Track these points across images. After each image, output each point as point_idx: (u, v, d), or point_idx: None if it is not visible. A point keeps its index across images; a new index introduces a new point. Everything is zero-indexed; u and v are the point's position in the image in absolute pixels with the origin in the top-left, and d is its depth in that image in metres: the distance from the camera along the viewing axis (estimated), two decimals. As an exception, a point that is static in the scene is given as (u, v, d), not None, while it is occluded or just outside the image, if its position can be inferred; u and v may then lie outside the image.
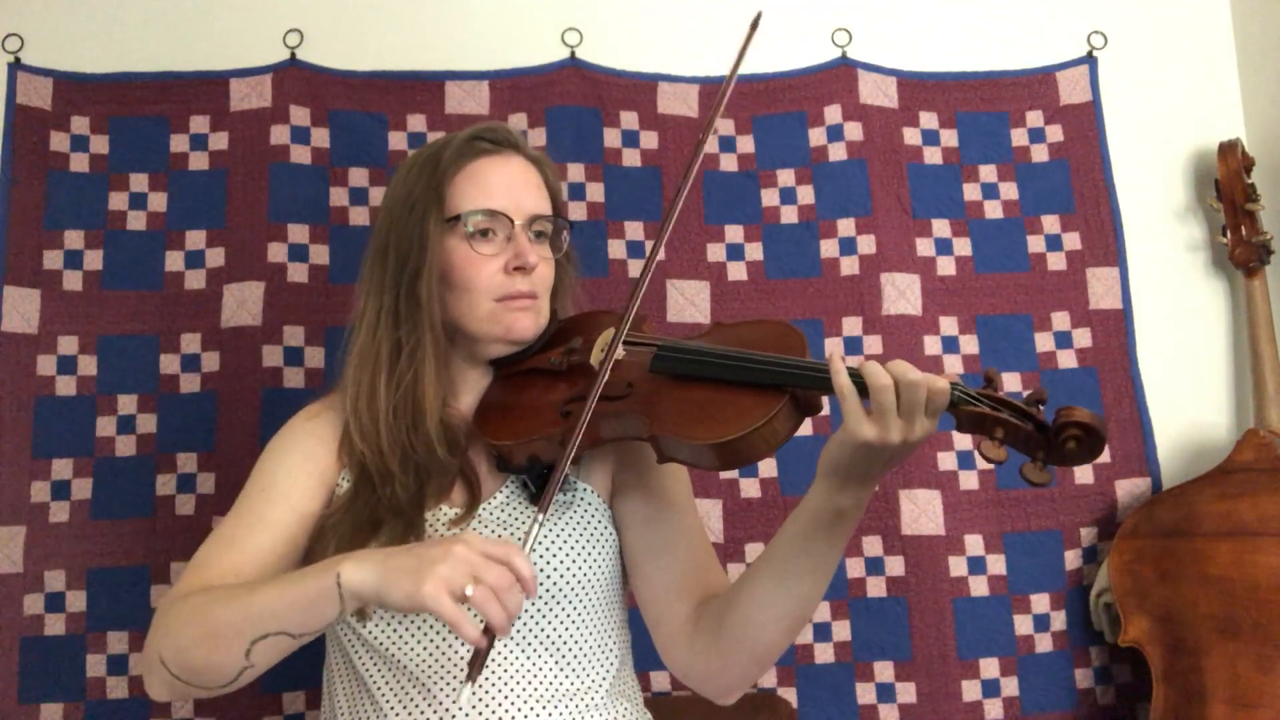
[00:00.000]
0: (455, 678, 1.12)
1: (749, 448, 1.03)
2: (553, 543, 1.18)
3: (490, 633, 0.93)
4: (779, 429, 1.03)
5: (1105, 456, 1.91)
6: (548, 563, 1.16)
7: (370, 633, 1.14)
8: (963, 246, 1.98)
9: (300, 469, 1.20)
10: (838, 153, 1.98)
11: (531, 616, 1.16)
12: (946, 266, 1.97)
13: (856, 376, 0.99)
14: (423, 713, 1.12)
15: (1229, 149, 1.95)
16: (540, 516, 0.99)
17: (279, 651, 1.03)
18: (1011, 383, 1.94)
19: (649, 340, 1.17)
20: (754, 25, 1.26)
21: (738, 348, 1.10)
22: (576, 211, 1.91)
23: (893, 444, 0.97)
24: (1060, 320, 1.97)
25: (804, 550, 1.08)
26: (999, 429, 0.97)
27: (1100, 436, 0.94)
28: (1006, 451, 0.97)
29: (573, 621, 1.17)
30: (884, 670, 1.82)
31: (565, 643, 1.17)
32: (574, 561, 1.18)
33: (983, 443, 0.97)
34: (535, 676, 1.14)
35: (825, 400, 1.07)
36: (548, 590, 1.16)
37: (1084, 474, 1.90)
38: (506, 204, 1.22)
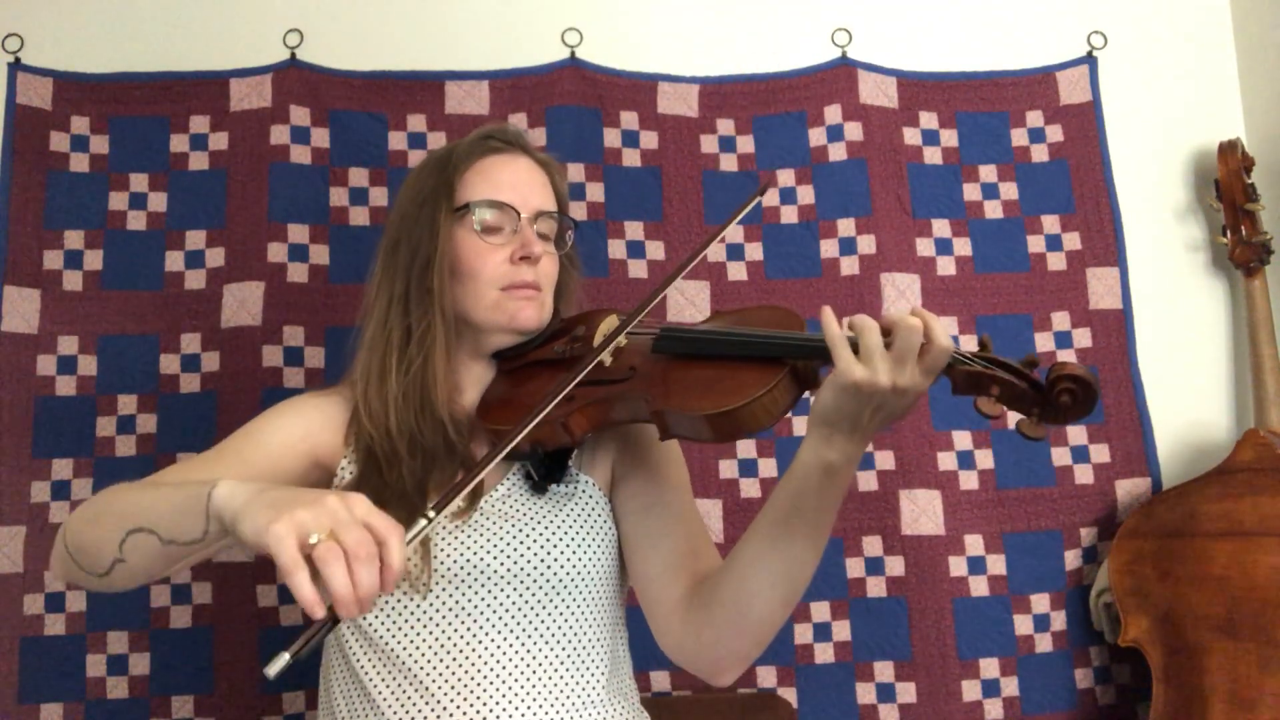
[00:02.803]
0: (455, 675, 1.12)
1: (750, 418, 1.05)
2: (554, 533, 1.18)
3: (332, 611, 0.81)
4: (779, 399, 1.05)
5: (1105, 456, 1.91)
6: (549, 553, 1.17)
7: (370, 624, 1.15)
8: (963, 246, 1.99)
9: (294, 431, 1.22)
10: (838, 153, 1.98)
11: (531, 607, 1.16)
12: (946, 266, 1.97)
13: (850, 335, 1.00)
14: (420, 711, 1.12)
15: (1229, 149, 1.95)
16: (431, 514, 0.90)
17: (150, 555, 1.00)
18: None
19: (650, 327, 1.19)
20: (762, 190, 1.30)
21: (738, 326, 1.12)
22: (577, 211, 1.91)
23: (881, 387, 0.97)
24: (1060, 320, 1.97)
25: (795, 509, 1.08)
26: (995, 386, 0.98)
27: (1093, 390, 0.96)
28: (1002, 408, 0.98)
29: (571, 614, 1.18)
30: (884, 670, 1.82)
31: (564, 634, 1.17)
32: (574, 553, 1.18)
33: (979, 400, 0.98)
34: (533, 668, 1.14)
35: (823, 373, 1.08)
36: (547, 581, 1.16)
37: (1084, 474, 1.90)
38: (514, 198, 1.24)
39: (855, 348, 0.99)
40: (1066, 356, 1.95)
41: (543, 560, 1.16)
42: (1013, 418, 0.99)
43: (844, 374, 0.98)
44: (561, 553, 1.18)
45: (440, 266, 1.21)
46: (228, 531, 0.92)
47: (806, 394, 1.08)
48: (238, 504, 0.90)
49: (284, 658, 0.79)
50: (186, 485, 1.00)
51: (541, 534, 1.18)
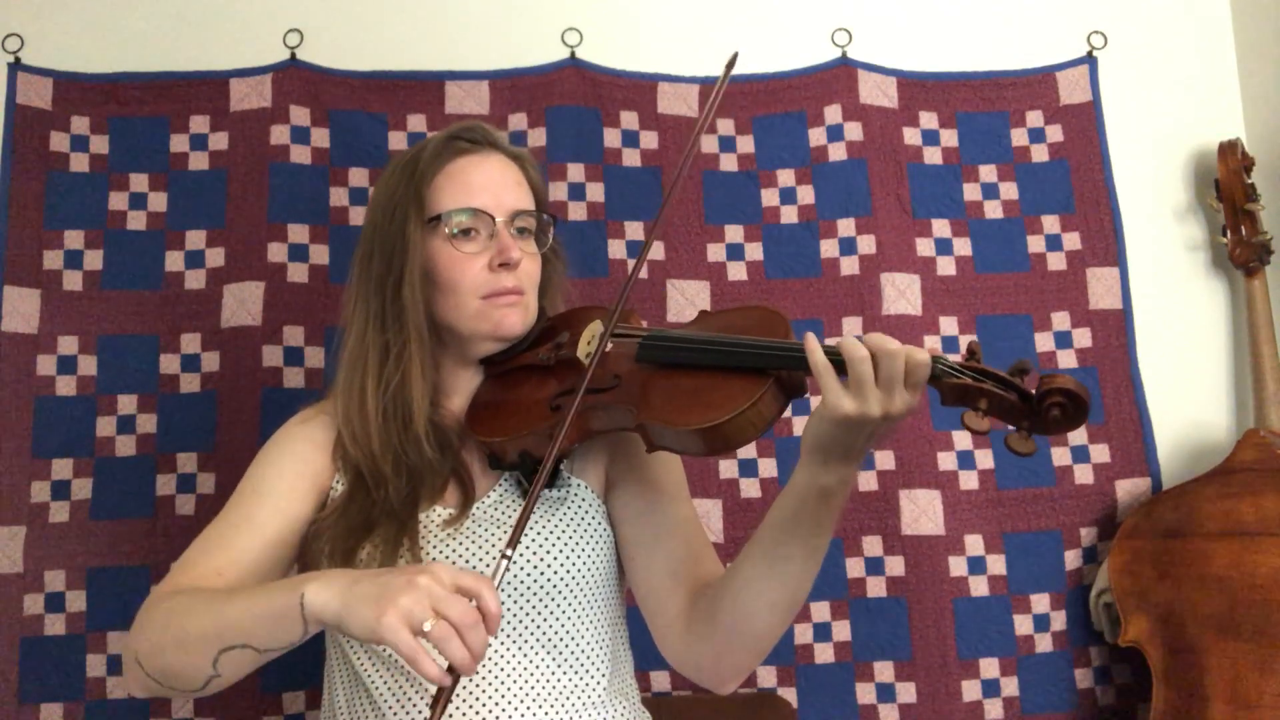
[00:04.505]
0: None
1: (736, 431, 1.03)
2: (547, 538, 1.18)
3: (454, 671, 0.89)
4: (764, 412, 1.03)
5: (1105, 456, 1.91)
6: (542, 559, 1.17)
7: None
8: (963, 246, 1.99)
9: (291, 471, 1.21)
10: (838, 153, 1.98)
11: (527, 614, 1.16)
12: (946, 266, 1.97)
13: (834, 354, 0.98)
14: (420, 712, 1.12)
15: (1229, 149, 1.95)
16: (509, 553, 0.96)
17: (246, 664, 1.04)
18: (1011, 383, 1.94)
19: (635, 331, 1.18)
20: (730, 65, 1.25)
21: (723, 334, 1.10)
22: (576, 211, 1.91)
23: (873, 416, 0.96)
24: (1060, 320, 1.97)
25: (792, 532, 1.07)
26: (982, 400, 0.96)
27: (1084, 403, 0.93)
28: (990, 422, 0.96)
29: (569, 618, 1.18)
30: (884, 670, 1.82)
31: (562, 640, 1.17)
32: (569, 557, 1.18)
33: (966, 414, 0.96)
34: (531, 674, 1.14)
35: (810, 382, 1.07)
36: (542, 587, 1.16)
37: (1084, 474, 1.90)
38: (487, 201, 1.22)
39: (839, 367, 0.98)
40: (1066, 356, 1.95)
41: (536, 566, 1.16)
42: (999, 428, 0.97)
43: (834, 407, 0.97)
44: (555, 557, 1.17)
45: (413, 280, 1.19)
46: (329, 628, 0.97)
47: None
48: (336, 605, 0.94)
49: None
50: (264, 592, 1.02)
51: (535, 539, 1.17)
